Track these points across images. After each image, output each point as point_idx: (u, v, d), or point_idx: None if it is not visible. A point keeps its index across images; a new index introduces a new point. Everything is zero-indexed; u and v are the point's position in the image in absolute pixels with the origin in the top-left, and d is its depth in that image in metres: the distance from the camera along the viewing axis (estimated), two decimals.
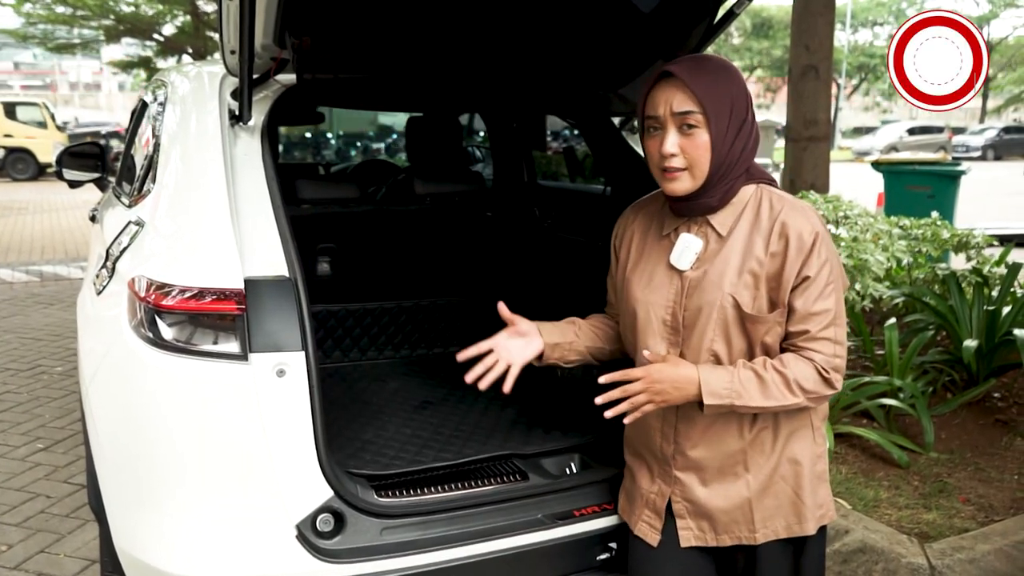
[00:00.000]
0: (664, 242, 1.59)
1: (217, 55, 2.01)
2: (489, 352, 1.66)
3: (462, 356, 1.67)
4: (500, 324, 1.71)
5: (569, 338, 1.73)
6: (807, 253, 1.46)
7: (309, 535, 1.57)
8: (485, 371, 1.65)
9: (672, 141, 1.47)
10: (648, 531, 1.63)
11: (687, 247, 1.54)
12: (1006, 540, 2.48)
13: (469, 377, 1.65)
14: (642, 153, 1.59)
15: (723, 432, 1.54)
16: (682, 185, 1.49)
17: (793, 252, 1.46)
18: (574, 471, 1.96)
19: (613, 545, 1.78)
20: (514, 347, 1.68)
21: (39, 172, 19.45)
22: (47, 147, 18.98)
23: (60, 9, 17.30)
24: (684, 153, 1.46)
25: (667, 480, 1.60)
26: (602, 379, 1.52)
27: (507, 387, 1.64)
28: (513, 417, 2.32)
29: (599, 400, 1.51)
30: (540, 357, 1.71)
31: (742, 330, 1.50)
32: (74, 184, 3.53)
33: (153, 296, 1.55)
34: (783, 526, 1.57)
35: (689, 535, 1.59)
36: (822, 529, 1.62)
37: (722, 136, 1.46)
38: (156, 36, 18.39)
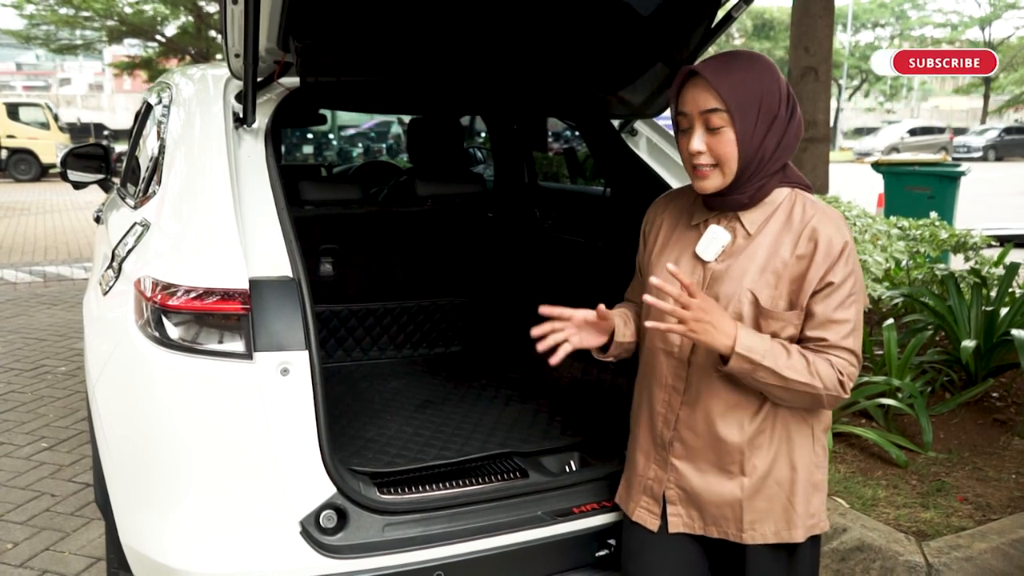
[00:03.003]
0: (692, 232, 1.60)
1: (219, 56, 2.03)
2: (567, 320, 1.59)
3: (545, 310, 1.58)
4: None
5: (629, 338, 1.69)
6: (834, 260, 1.46)
7: (313, 531, 1.59)
8: (549, 332, 1.58)
9: (699, 139, 1.48)
10: (647, 516, 1.64)
11: (715, 238, 1.55)
12: (1003, 539, 2.50)
13: (536, 332, 1.57)
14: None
15: (724, 424, 1.54)
16: (712, 183, 1.50)
17: (820, 256, 1.46)
18: (573, 469, 1.99)
19: (611, 542, 1.80)
20: (585, 332, 1.62)
21: (41, 173, 19.51)
22: (49, 148, 19.05)
23: (63, 10, 17.32)
24: (711, 151, 1.47)
25: (663, 466, 1.62)
26: (654, 280, 1.42)
27: (554, 360, 1.56)
28: (513, 416, 2.34)
29: (647, 299, 1.42)
30: (604, 349, 1.68)
31: (755, 327, 1.50)
32: (79, 185, 3.56)
33: (159, 296, 1.57)
34: (772, 531, 1.57)
35: (677, 521, 1.60)
36: (815, 539, 1.62)
37: (749, 133, 1.46)
38: (158, 37, 18.43)
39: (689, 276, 1.54)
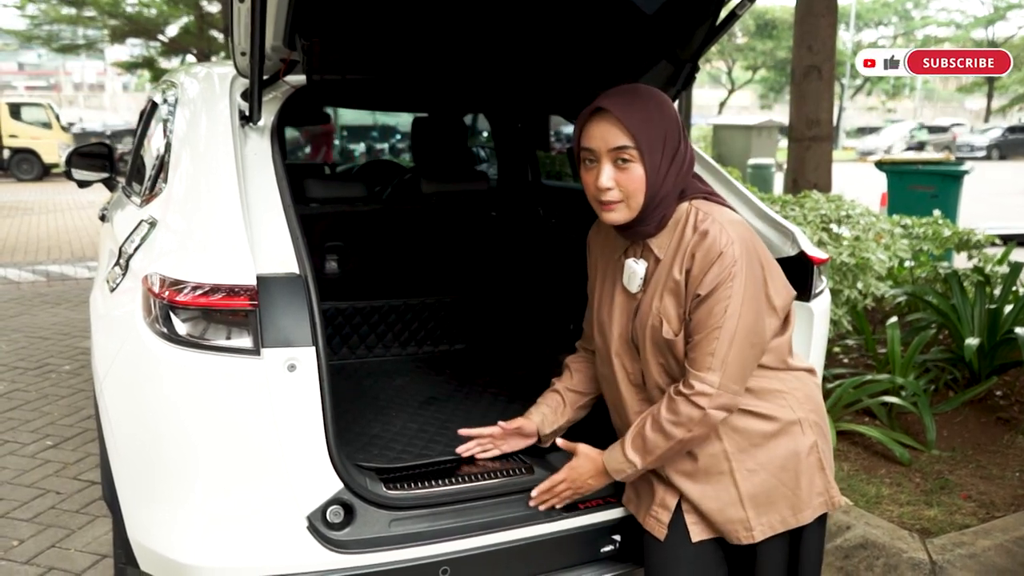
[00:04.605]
0: (619, 264, 1.68)
1: (221, 55, 2.04)
2: (486, 437, 1.91)
3: (464, 432, 1.93)
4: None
5: (560, 420, 1.91)
6: (705, 271, 1.49)
7: (319, 526, 1.59)
8: (475, 447, 1.93)
9: (607, 175, 1.53)
10: (655, 525, 1.65)
11: (633, 272, 1.62)
12: (1007, 536, 2.50)
13: (462, 450, 1.92)
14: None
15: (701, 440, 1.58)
16: (618, 216, 1.56)
17: (696, 270, 1.51)
18: None
19: (617, 537, 1.80)
20: (511, 439, 1.91)
21: (44, 172, 19.53)
22: (52, 148, 19.07)
23: (66, 10, 17.34)
24: (620, 186, 1.53)
25: (668, 483, 1.64)
26: (533, 493, 1.75)
27: (488, 455, 1.93)
28: (518, 412, 2.35)
29: (533, 495, 1.74)
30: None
31: (670, 350, 1.57)
32: (83, 184, 3.58)
33: (167, 292, 1.57)
34: (779, 520, 1.58)
35: (696, 530, 1.62)
36: (821, 519, 1.64)
37: (656, 168, 1.52)
38: (160, 37, 18.44)
39: (623, 309, 1.66)
